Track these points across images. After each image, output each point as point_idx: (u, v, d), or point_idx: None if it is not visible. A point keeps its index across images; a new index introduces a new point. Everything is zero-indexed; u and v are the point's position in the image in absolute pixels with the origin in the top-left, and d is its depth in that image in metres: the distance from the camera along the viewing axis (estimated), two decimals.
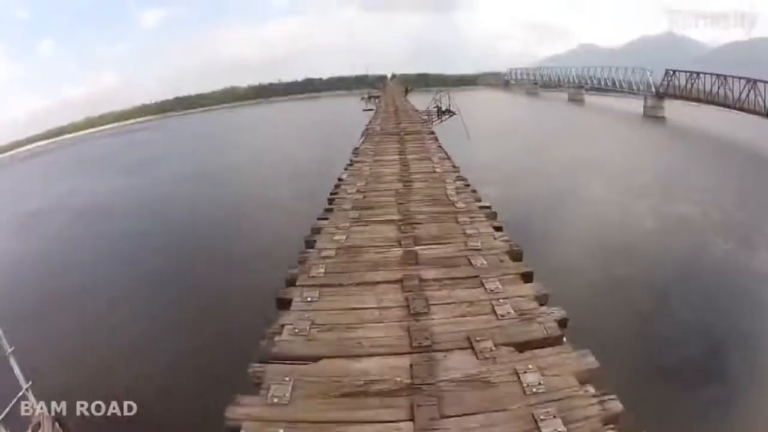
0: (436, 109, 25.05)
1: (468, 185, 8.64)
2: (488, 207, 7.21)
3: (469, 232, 6.06)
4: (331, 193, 8.54)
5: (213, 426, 3.20)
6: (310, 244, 6.10)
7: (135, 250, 17.61)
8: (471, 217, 6.64)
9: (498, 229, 6.27)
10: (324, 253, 5.63)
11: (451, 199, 7.64)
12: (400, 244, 5.80)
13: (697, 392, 8.54)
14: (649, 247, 15.52)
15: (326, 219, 6.98)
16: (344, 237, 6.12)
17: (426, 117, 23.83)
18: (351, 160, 11.55)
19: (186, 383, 8.85)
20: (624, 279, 13.00)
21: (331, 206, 7.68)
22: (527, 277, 4.94)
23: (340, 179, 9.57)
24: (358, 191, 8.43)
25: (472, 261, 5.21)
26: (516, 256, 5.46)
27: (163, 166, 37.64)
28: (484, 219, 6.63)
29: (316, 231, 6.48)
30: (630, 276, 13.18)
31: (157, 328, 11.40)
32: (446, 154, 11.89)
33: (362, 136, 15.71)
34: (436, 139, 14.36)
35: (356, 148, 13.19)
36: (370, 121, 19.95)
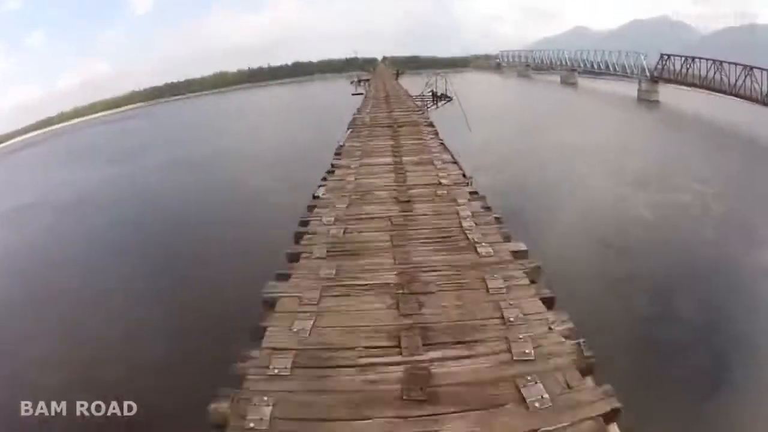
0: (430, 93, 22.43)
1: (488, 207, 6.24)
2: (524, 252, 4.81)
3: (509, 315, 3.65)
4: (300, 222, 6.07)
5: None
6: (256, 333, 3.69)
7: (124, 242, 16.85)
8: (505, 278, 4.22)
9: (548, 302, 3.90)
10: (270, 378, 3.16)
11: (470, 237, 5.20)
12: (400, 346, 3.39)
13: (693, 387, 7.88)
14: (644, 235, 14.59)
15: (286, 279, 4.52)
16: (308, 331, 3.65)
17: (420, 103, 21.30)
18: (332, 165, 9.05)
19: (180, 374, 8.43)
20: (617, 266, 12.30)
21: (297, 250, 5.25)
22: (611, 416, 2.74)
23: (315, 197, 7.11)
24: (336, 220, 5.98)
25: (525, 394, 2.84)
26: (587, 367, 3.14)
27: (148, 155, 35.17)
28: (524, 280, 4.23)
29: (269, 306, 4.05)
30: (623, 263, 12.47)
31: (147, 319, 11.01)
32: (451, 155, 9.44)
33: (348, 128, 13.15)
34: (437, 134, 11.86)
35: (340, 147, 10.67)
36: (358, 110, 17.31)
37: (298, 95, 74.19)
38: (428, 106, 21.32)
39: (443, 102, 21.40)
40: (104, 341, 10.10)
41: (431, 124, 13.07)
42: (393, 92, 23.85)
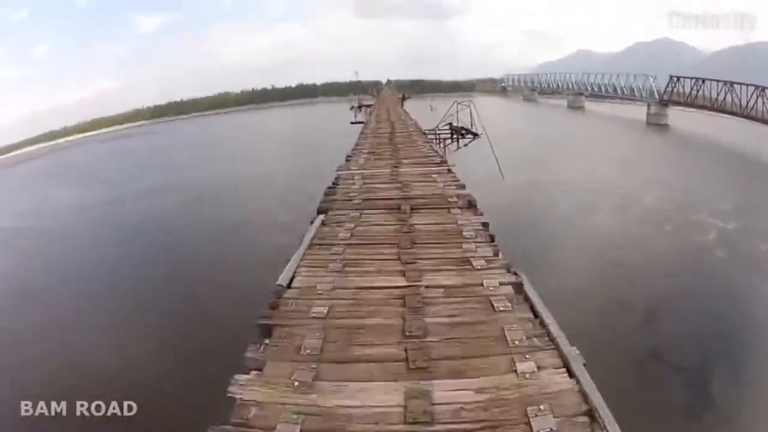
0: (448, 128, 15.97)
1: None
2: None
3: None
4: None
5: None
6: None
7: (119, 261, 16.47)
8: None
9: None
10: None
11: None
12: None
13: None
14: (668, 286, 12.52)
15: None
16: None
17: (434, 139, 14.90)
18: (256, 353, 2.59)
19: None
20: (642, 324, 10.57)
21: None
22: None
23: None
24: None
25: None
26: None
27: (143, 178, 33.79)
28: None
29: None
30: (648, 319, 10.74)
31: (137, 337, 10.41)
32: (545, 328, 3.00)
33: (318, 211, 6.52)
34: (492, 239, 5.33)
35: (278, 294, 4.12)
36: (349, 157, 10.69)
37: (300, 119, 68.84)
38: (446, 145, 14.90)
39: (468, 140, 14.87)
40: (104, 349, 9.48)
41: (472, 205, 6.48)
42: (400, 125, 17.08)
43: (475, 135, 14.84)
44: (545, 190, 23.00)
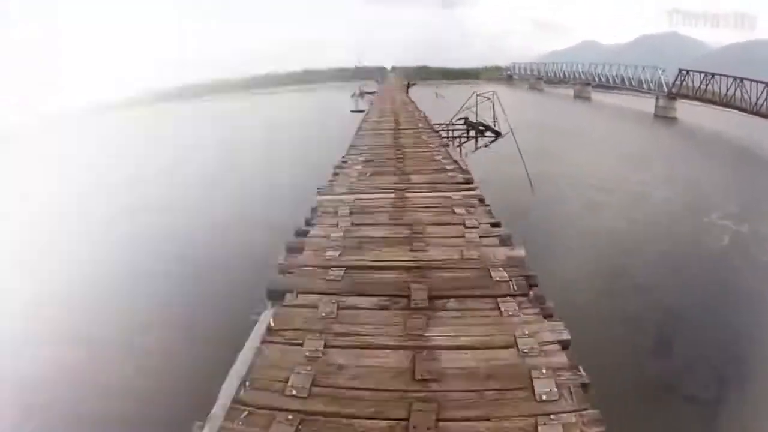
0: (463, 122, 12.90)
1: None
2: None
3: None
4: None
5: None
6: None
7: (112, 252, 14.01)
8: None
9: None
10: None
11: None
12: None
13: None
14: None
15: None
16: None
17: (447, 138, 11.90)
18: None
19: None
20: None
21: None
22: None
23: None
24: None
25: None
26: None
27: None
28: None
29: None
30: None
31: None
32: None
33: (271, 298, 3.67)
34: (584, 387, 2.48)
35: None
36: (338, 169, 7.68)
37: (304, 105, 65.35)
38: (461, 143, 11.91)
39: (489, 140, 11.84)
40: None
41: (532, 285, 3.62)
42: (406, 118, 13.78)
43: (498, 134, 11.82)
44: (554, 183, 20.73)
